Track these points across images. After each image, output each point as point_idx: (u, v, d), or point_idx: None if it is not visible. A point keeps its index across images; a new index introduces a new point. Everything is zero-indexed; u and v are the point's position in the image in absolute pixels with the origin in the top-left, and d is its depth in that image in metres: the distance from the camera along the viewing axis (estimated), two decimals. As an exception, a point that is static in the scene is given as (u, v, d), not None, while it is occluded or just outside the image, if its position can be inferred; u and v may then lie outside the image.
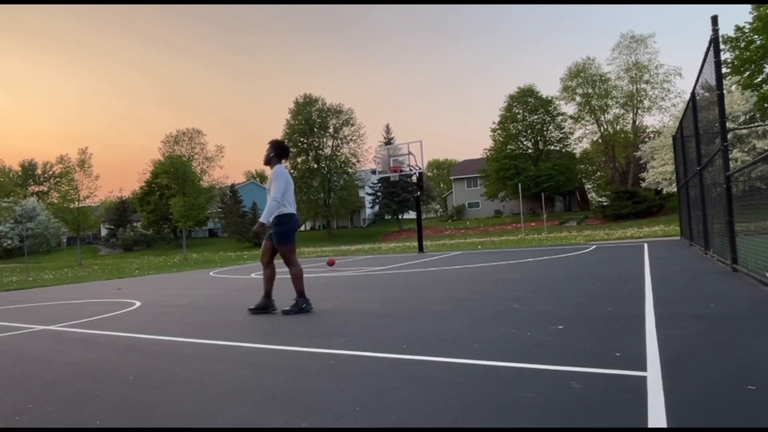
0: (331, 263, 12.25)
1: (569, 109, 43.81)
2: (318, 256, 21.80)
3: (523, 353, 2.72)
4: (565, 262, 9.08)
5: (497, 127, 44.98)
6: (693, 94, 8.16)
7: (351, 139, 47.67)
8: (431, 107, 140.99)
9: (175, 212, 35.50)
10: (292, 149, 46.93)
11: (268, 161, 5.17)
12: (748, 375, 2.10)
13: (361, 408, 2.05)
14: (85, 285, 12.49)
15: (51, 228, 51.94)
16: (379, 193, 46.47)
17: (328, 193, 46.69)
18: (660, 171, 29.61)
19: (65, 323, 5.42)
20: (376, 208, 48.97)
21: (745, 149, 23.85)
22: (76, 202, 33.07)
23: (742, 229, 5.52)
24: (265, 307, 5.13)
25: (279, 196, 4.87)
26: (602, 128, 42.53)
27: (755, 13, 24.49)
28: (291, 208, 4.97)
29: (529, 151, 44.23)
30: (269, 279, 5.19)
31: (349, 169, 47.13)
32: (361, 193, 50.79)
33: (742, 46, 25.66)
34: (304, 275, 5.18)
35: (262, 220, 4.95)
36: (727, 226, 5.62)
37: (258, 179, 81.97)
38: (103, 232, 58.32)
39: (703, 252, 8.38)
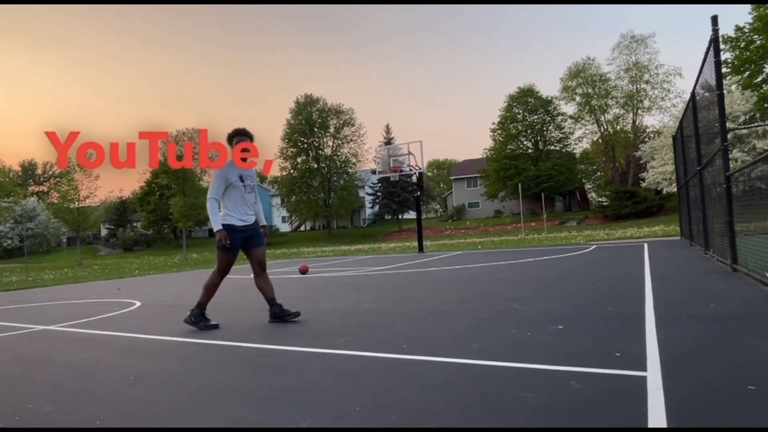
0: (303, 270, 10.57)
1: (569, 109, 43.89)
2: (318, 256, 21.80)
3: (523, 353, 2.72)
4: (565, 262, 9.08)
5: (497, 127, 45.01)
6: (693, 94, 8.16)
7: (351, 139, 47.71)
8: (431, 107, 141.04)
9: (175, 212, 35.51)
10: (291, 149, 46.97)
11: None
12: (748, 375, 2.10)
13: (361, 408, 2.05)
14: (85, 285, 12.49)
15: (51, 228, 51.95)
16: (379, 193, 46.47)
17: (328, 193, 46.71)
18: (660, 171, 29.62)
19: (65, 323, 5.42)
20: (376, 208, 48.97)
21: (745, 149, 23.85)
22: (76, 202, 33.12)
23: (742, 229, 5.51)
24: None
25: None
26: (602, 128, 42.56)
27: (755, 13, 24.50)
28: None
29: (529, 151, 44.26)
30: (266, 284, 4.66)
31: (349, 169, 47.15)
32: (361, 193, 50.78)
33: (742, 46, 25.68)
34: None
35: (265, 222, 4.64)
36: (727, 226, 5.61)
37: (257, 179, 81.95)
38: (103, 232, 58.36)
39: (703, 252, 8.38)
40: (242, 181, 4.34)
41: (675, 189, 20.41)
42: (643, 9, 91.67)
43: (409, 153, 17.78)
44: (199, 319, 4.31)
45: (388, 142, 45.21)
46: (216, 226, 4.20)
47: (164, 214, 47.17)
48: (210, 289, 4.40)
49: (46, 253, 53.65)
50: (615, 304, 4.10)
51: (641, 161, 34.47)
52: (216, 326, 4.30)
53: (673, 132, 17.41)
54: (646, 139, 38.76)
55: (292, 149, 46.99)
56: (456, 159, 75.12)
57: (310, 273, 10.91)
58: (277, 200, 56.30)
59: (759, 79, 26.13)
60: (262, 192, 62.92)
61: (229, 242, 4.20)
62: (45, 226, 52.25)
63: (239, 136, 4.34)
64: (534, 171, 41.31)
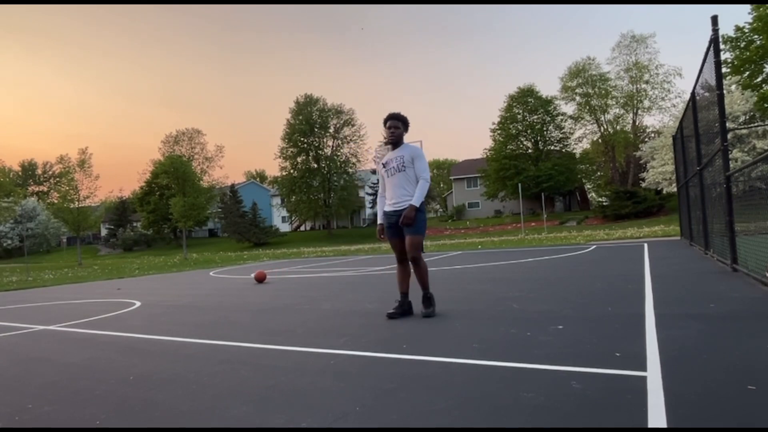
0: (260, 278, 9.13)
1: (569, 109, 43.89)
2: (318, 256, 21.80)
3: (523, 353, 2.72)
4: (565, 262, 9.07)
5: (497, 127, 44.98)
6: (693, 94, 8.16)
7: (351, 140, 47.66)
8: (431, 107, 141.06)
9: (175, 212, 35.51)
10: (291, 149, 46.97)
11: (399, 138, 4.33)
12: (748, 375, 2.10)
13: (361, 408, 2.05)
14: (85, 285, 12.49)
15: (51, 228, 51.95)
16: (379, 193, 46.38)
17: (328, 193, 46.69)
18: (660, 171, 29.61)
19: (65, 323, 5.42)
20: (377, 208, 48.88)
21: (745, 149, 23.85)
22: (76, 202, 33.12)
23: (742, 229, 5.51)
24: (405, 309, 4.32)
25: (429, 176, 4.29)
26: (602, 128, 42.56)
27: (755, 13, 24.49)
28: None
29: (529, 151, 44.22)
30: (407, 277, 4.39)
31: (350, 169, 47.12)
32: (361, 193, 50.77)
33: (742, 46, 25.65)
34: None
35: (415, 203, 4.14)
36: (727, 226, 5.61)
37: (258, 179, 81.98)
38: (103, 232, 58.34)
39: (703, 252, 8.38)
40: (385, 166, 4.33)
41: (675, 189, 20.41)
42: (643, 9, 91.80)
43: (409, 153, 17.76)
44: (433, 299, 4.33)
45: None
46: (378, 219, 4.48)
47: (164, 214, 47.16)
48: (397, 278, 4.39)
49: (46, 253, 53.63)
50: (615, 304, 4.10)
51: (641, 161, 34.48)
52: (393, 315, 4.19)
53: (673, 132, 17.40)
54: (646, 139, 38.77)
55: (292, 149, 46.96)
56: (456, 159, 75.16)
57: (310, 273, 10.90)
58: (277, 200, 56.29)
59: (759, 79, 26.10)
60: (262, 191, 62.91)
61: (382, 231, 4.40)
62: (45, 226, 52.24)
63: (390, 120, 4.32)
64: (534, 171, 41.28)
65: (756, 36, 25.00)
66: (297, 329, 4.04)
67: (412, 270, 4.31)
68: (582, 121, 43.49)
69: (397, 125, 4.30)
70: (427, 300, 4.24)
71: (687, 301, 4.07)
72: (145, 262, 28.23)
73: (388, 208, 4.32)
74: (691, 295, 4.36)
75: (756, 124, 24.22)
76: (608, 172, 43.38)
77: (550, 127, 44.17)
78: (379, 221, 4.44)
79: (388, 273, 9.38)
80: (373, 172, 19.66)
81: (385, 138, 4.37)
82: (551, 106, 43.54)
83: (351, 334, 3.65)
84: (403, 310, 4.26)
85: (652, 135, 39.51)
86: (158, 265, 23.38)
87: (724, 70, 20.53)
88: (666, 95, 39.91)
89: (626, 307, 3.92)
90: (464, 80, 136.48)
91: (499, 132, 44.85)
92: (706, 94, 6.67)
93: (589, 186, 49.00)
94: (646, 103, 40.65)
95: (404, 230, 4.19)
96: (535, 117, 43.73)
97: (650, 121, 76.61)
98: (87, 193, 33.43)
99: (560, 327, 3.33)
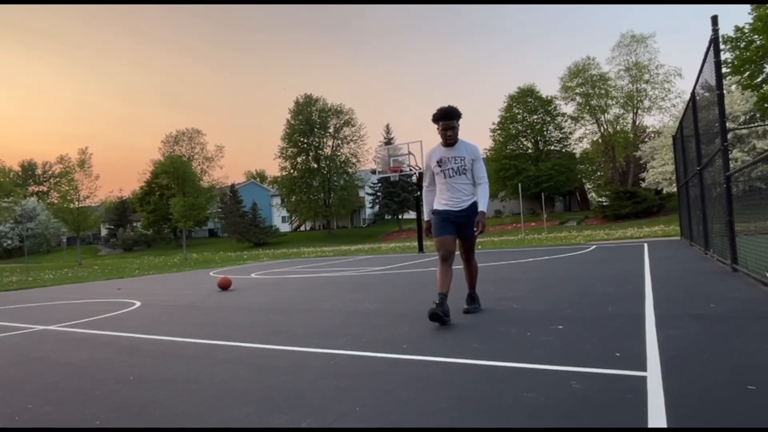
0: (223, 285, 8.24)
1: (569, 109, 43.88)
2: (318, 256, 21.80)
3: (523, 353, 2.72)
4: (565, 262, 9.07)
5: (497, 127, 44.99)
6: (693, 94, 8.16)
7: (351, 140, 47.70)
8: (431, 107, 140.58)
9: (175, 212, 35.52)
10: (291, 149, 46.98)
11: (456, 137, 4.12)
12: (748, 375, 2.10)
13: (361, 408, 2.05)
14: (85, 285, 12.49)
15: (51, 228, 51.96)
16: (379, 193, 46.45)
17: (328, 193, 46.69)
18: (660, 171, 29.62)
19: (65, 323, 5.42)
20: (376, 208, 48.93)
21: (745, 149, 23.85)
22: (76, 202, 33.14)
23: (742, 229, 5.51)
24: (445, 310, 3.83)
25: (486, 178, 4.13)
26: (602, 128, 42.56)
27: (755, 14, 24.51)
28: None
29: (529, 151, 44.22)
30: (449, 278, 4.08)
31: (349, 169, 47.13)
32: (361, 193, 50.76)
33: (742, 46, 25.68)
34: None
35: (484, 208, 4.01)
36: (727, 226, 5.61)
37: (258, 179, 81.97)
38: (103, 232, 58.37)
39: (703, 252, 8.38)
40: (440, 165, 4.12)
41: (675, 189, 20.41)
42: (643, 9, 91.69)
43: (409, 153, 17.78)
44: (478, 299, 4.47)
45: (388, 142, 45.18)
46: (424, 216, 4.30)
47: (164, 214, 47.17)
48: (438, 277, 4.02)
49: (46, 253, 53.63)
50: (615, 304, 4.09)
51: (641, 161, 34.47)
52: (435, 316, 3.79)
53: (673, 132, 17.40)
54: (646, 139, 38.75)
55: (292, 149, 46.98)
56: (456, 159, 74.77)
57: (310, 273, 10.90)
58: (277, 200, 56.30)
59: (759, 79, 26.13)
60: (261, 192, 62.90)
61: (430, 228, 4.19)
62: (45, 226, 52.24)
63: (443, 119, 4.04)
64: (534, 171, 41.28)
65: (756, 36, 25.03)
66: (297, 329, 4.04)
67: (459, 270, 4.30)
68: (582, 121, 43.50)
69: (452, 125, 4.04)
70: (472, 298, 4.35)
71: (687, 301, 4.07)
72: (145, 262, 28.23)
73: (445, 207, 4.10)
74: (691, 296, 4.36)
75: (756, 124, 24.22)
76: (608, 172, 43.36)
77: (550, 127, 44.16)
78: (426, 218, 4.25)
79: (387, 273, 9.39)
80: (373, 172, 19.60)
81: (442, 140, 4.12)
82: (551, 106, 43.54)
83: (351, 334, 3.65)
84: (444, 311, 3.73)
85: (652, 135, 39.50)
86: (158, 265, 23.37)
87: (724, 70, 20.52)
88: (666, 95, 39.97)
89: (626, 307, 3.92)
90: (464, 80, 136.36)
91: (499, 132, 44.86)
92: (706, 94, 6.67)
93: (589, 186, 48.96)
94: (646, 103, 40.69)
95: (465, 235, 4.12)
96: (535, 117, 43.72)
97: (650, 121, 76.42)
98: (87, 193, 33.47)
99: (560, 327, 3.32)
